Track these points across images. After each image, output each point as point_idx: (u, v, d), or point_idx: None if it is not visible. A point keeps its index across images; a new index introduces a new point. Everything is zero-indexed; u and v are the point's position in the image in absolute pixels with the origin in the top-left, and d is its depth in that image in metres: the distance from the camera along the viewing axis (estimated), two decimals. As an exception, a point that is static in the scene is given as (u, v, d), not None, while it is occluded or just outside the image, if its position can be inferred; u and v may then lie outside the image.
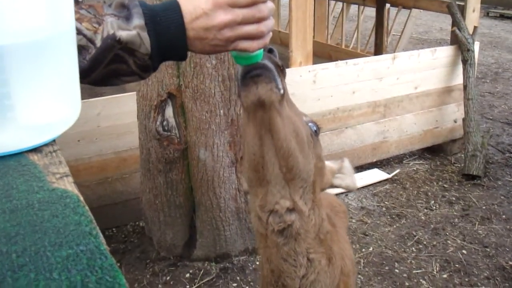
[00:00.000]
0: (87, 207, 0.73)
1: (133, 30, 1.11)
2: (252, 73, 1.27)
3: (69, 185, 0.79)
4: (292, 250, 1.50)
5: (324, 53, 7.10)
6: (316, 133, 1.54)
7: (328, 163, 1.69)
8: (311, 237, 1.52)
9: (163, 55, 1.18)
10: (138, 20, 1.11)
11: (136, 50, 1.13)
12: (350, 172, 1.80)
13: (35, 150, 0.90)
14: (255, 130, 1.36)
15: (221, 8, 1.10)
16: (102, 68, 1.14)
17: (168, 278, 3.53)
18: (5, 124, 0.86)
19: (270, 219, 1.47)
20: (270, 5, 1.16)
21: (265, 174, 1.41)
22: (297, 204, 1.46)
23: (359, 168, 4.97)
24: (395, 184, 4.80)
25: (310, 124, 1.53)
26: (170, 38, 1.14)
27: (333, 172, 1.77)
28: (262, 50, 1.24)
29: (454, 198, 4.55)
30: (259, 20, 1.14)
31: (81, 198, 0.75)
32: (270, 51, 1.34)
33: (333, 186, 1.75)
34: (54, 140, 0.95)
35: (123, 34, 1.10)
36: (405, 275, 3.55)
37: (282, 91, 1.32)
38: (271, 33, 1.20)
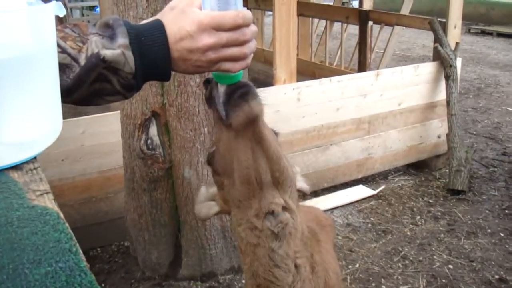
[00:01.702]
0: (67, 224, 0.72)
1: (117, 49, 1.10)
2: (240, 92, 1.28)
3: (49, 202, 0.79)
4: (285, 253, 1.52)
5: (308, 71, 7.14)
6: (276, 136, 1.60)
7: None
8: (299, 236, 1.55)
9: (147, 75, 1.18)
10: (122, 39, 1.11)
11: (120, 69, 1.13)
12: (299, 176, 1.85)
13: (16, 167, 0.90)
14: (246, 144, 1.39)
15: (206, 30, 1.11)
16: (86, 87, 1.13)
17: (153, 298, 3.50)
18: (-16, 142, 0.85)
19: (267, 223, 1.49)
20: (253, 28, 1.16)
21: (258, 184, 1.45)
22: (287, 203, 1.51)
23: (345, 185, 4.98)
24: (380, 200, 4.81)
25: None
26: (154, 58, 1.14)
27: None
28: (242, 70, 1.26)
29: (439, 213, 4.56)
30: (242, 43, 1.14)
31: (61, 215, 0.74)
32: None
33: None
34: (35, 158, 0.95)
35: (107, 53, 1.10)
36: (392, 291, 3.54)
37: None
38: (252, 54, 1.21)
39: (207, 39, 1.11)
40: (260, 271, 1.56)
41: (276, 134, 1.59)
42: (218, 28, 1.11)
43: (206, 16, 1.10)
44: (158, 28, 1.14)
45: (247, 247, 1.58)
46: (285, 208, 1.51)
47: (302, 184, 1.79)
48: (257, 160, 1.41)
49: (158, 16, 1.19)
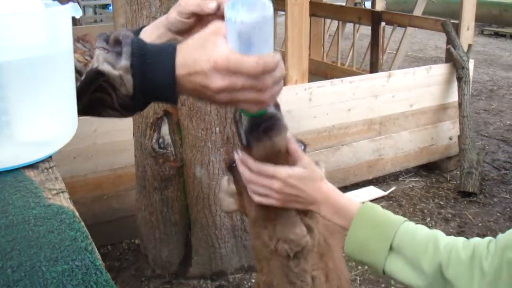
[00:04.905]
0: (82, 223, 0.73)
1: (116, 71, 1.07)
2: (263, 126, 1.25)
3: (65, 201, 0.80)
4: (302, 270, 1.50)
5: (319, 71, 7.13)
6: (304, 151, 1.55)
7: None
8: (315, 251, 1.53)
9: (149, 96, 1.13)
10: (124, 61, 1.07)
11: (117, 88, 1.10)
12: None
13: (32, 166, 0.91)
14: None
15: (220, 72, 1.02)
16: (88, 97, 1.11)
17: (163, 296, 3.52)
18: (2, 140, 0.87)
19: (285, 246, 1.46)
20: (278, 73, 1.04)
21: (276, 210, 1.43)
22: (309, 224, 1.48)
23: (355, 186, 4.97)
24: (391, 202, 4.80)
25: (297, 143, 1.54)
26: (157, 81, 1.09)
27: None
28: None
29: (450, 215, 4.55)
30: (260, 89, 1.04)
31: (77, 214, 0.76)
32: None
33: None
34: (50, 157, 0.96)
35: (105, 68, 1.07)
36: (401, 292, 3.54)
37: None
38: (279, 94, 1.11)
39: (220, 82, 1.03)
40: (275, 283, 1.54)
41: (304, 146, 1.57)
42: (234, 72, 1.02)
43: (223, 57, 1.02)
44: (169, 51, 1.09)
45: (262, 259, 1.57)
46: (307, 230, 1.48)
47: None
48: None
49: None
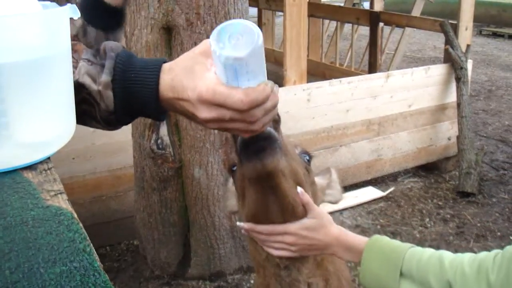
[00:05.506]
0: (81, 224, 0.73)
1: (96, 86, 1.06)
2: (254, 147, 1.21)
3: (63, 202, 0.80)
4: (294, 280, 1.51)
5: (318, 72, 7.13)
6: (309, 162, 1.54)
7: (317, 180, 1.69)
8: (311, 261, 1.53)
9: (130, 112, 1.11)
10: (105, 76, 1.05)
11: (98, 102, 1.08)
12: (337, 185, 1.82)
13: (30, 167, 0.91)
14: (259, 194, 1.35)
15: (205, 104, 0.98)
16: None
17: (162, 297, 3.51)
18: (1, 142, 0.87)
19: (276, 259, 1.49)
20: (269, 104, 1.00)
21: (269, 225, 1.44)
22: None
23: (354, 186, 4.97)
24: (389, 202, 4.80)
25: (302, 155, 1.52)
26: (138, 97, 1.07)
27: (323, 189, 1.77)
28: None
29: (448, 216, 4.55)
30: (250, 122, 1.00)
31: (75, 215, 0.75)
32: None
33: (323, 202, 1.76)
34: (48, 158, 0.96)
35: (86, 81, 1.06)
36: (400, 293, 3.53)
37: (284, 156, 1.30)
38: (273, 117, 1.08)
39: (206, 114, 0.99)
40: (271, 287, 1.56)
41: (310, 157, 1.55)
42: (220, 106, 0.96)
43: (208, 90, 0.96)
44: (153, 67, 1.06)
45: (257, 264, 1.59)
46: None
47: (331, 198, 1.76)
48: (269, 208, 1.38)
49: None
